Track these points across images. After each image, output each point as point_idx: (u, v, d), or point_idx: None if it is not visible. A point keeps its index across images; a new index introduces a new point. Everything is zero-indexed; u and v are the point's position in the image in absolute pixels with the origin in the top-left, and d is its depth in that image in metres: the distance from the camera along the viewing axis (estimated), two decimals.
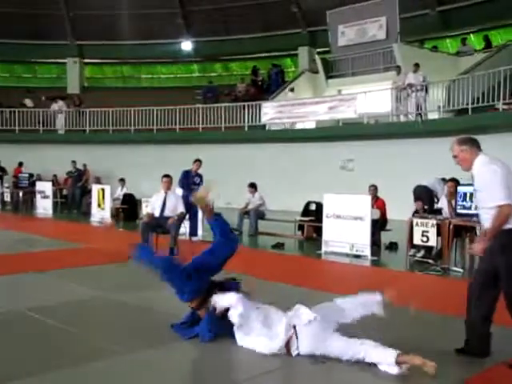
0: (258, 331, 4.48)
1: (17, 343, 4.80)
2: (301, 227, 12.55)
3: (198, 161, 11.79)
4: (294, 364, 4.34)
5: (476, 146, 4.52)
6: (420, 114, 16.29)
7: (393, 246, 10.82)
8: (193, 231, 11.63)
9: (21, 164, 21.29)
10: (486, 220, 4.33)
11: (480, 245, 4.44)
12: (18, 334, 5.10)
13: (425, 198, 10.67)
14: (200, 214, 12.10)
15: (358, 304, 4.60)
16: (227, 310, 4.61)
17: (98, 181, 18.23)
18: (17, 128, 22.26)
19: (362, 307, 4.58)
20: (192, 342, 4.78)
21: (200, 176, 11.74)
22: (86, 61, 27.76)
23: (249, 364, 4.40)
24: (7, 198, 19.68)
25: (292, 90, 20.54)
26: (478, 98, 15.00)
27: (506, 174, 4.26)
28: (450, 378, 4.08)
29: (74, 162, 19.50)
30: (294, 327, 4.41)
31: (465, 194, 8.70)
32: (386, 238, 10.94)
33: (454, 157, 4.59)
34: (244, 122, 20.15)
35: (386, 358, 4.06)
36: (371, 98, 17.44)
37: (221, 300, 4.66)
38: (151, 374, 4.13)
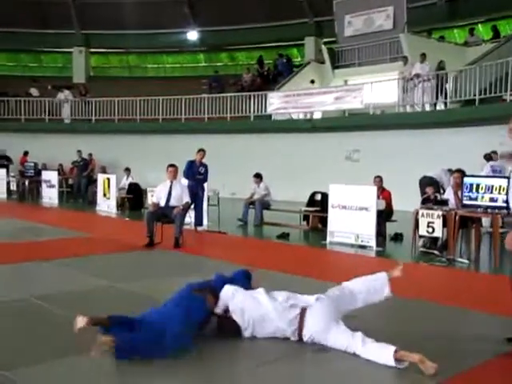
0: (268, 315, 4.48)
1: (23, 330, 4.82)
2: (306, 217, 12.56)
3: (201, 150, 11.78)
4: (300, 351, 4.35)
5: None
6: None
7: (398, 237, 10.80)
8: (198, 221, 11.65)
9: (26, 153, 21.32)
10: None
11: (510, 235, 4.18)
12: (24, 321, 5.13)
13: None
14: (205, 204, 12.14)
15: (368, 288, 4.58)
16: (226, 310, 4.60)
17: (103, 170, 18.24)
18: (23, 117, 22.28)
19: (374, 292, 4.57)
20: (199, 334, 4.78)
21: (205, 166, 11.74)
22: (92, 50, 27.72)
23: (260, 350, 4.41)
24: (13, 186, 19.74)
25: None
26: (486, 89, 14.90)
27: None
28: (449, 370, 4.07)
29: (79, 151, 19.53)
30: (303, 309, 4.41)
31: (471, 185, 8.67)
32: (391, 228, 10.92)
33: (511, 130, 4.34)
34: (250, 112, 20.11)
35: (384, 357, 4.02)
36: (378, 88, 17.34)
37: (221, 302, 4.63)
38: (159, 361, 4.13)
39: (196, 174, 11.53)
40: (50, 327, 4.95)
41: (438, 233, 8.90)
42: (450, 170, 10.97)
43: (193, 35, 26.15)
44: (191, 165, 11.62)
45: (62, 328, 4.92)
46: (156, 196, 10.03)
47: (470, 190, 8.67)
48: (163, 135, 20.89)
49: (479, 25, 21.51)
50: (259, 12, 24.07)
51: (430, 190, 10.15)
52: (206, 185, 11.92)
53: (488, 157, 12.77)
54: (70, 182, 20.70)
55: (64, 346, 4.40)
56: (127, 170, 17.31)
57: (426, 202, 9.74)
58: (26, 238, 10.17)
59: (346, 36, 20.18)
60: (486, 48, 17.56)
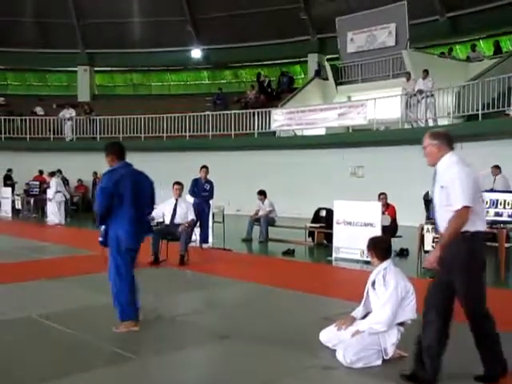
0: None
1: (28, 349, 4.82)
2: (311, 234, 12.54)
3: (204, 167, 11.80)
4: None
5: (447, 143, 4.20)
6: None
7: (403, 253, 10.77)
8: (203, 238, 11.64)
9: (41, 172, 21.20)
10: (444, 220, 4.02)
11: (434, 253, 4.08)
12: (30, 340, 5.12)
13: None
14: (210, 222, 12.14)
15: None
16: None
17: None
18: (28, 136, 22.40)
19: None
20: (202, 350, 4.77)
21: (210, 182, 11.76)
22: (97, 69, 27.95)
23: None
24: (18, 205, 19.80)
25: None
26: (489, 104, 14.95)
27: (475, 178, 4.08)
28: None
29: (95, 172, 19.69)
30: None
31: None
32: (396, 244, 10.89)
33: (423, 148, 4.33)
34: (254, 128, 20.19)
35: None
36: (381, 104, 17.41)
37: None
38: (165, 377, 4.13)
39: (201, 191, 11.55)
40: (57, 345, 4.95)
41: None
42: None
43: (196, 53, 26.35)
44: (196, 182, 11.65)
45: (65, 346, 4.92)
46: (156, 212, 10.05)
47: None
48: (168, 153, 20.95)
49: (481, 41, 21.64)
50: (262, 30, 24.26)
51: None
52: (211, 201, 11.94)
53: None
54: (75, 199, 20.76)
55: (67, 365, 4.40)
56: None
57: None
58: (32, 257, 10.18)
59: (349, 52, 20.30)
60: (488, 64, 17.65)
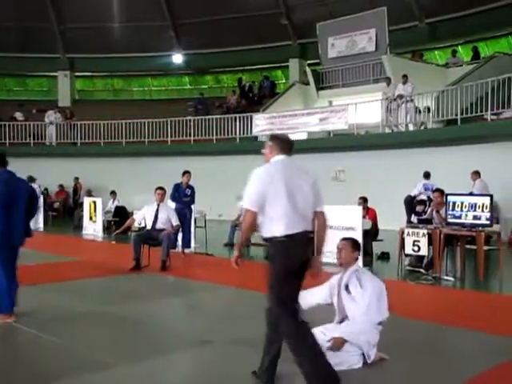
0: None
1: (6, 356, 4.78)
2: None
3: (187, 173, 11.79)
4: None
5: (281, 147, 4.21)
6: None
7: (385, 256, 10.87)
8: (185, 243, 11.62)
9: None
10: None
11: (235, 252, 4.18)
12: (8, 346, 5.08)
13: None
14: (192, 227, 12.13)
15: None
16: None
17: (89, 194, 18.19)
18: (7, 141, 22.17)
19: None
20: (184, 355, 4.78)
21: (191, 188, 11.76)
22: (77, 74, 27.77)
23: None
24: None
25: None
26: (467, 109, 15.15)
27: (268, 182, 4.06)
28: None
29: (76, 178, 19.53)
30: None
31: (454, 203, 8.80)
32: (377, 248, 10.98)
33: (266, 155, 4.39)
34: (235, 133, 20.22)
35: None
36: (362, 109, 17.56)
37: None
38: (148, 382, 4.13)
39: (183, 196, 11.54)
40: (36, 352, 4.92)
41: (424, 251, 8.98)
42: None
43: (178, 58, 26.31)
44: (178, 187, 11.63)
45: (47, 353, 4.89)
46: (139, 216, 10.02)
47: (454, 209, 8.79)
48: (149, 158, 20.91)
49: (459, 46, 21.93)
50: (243, 35, 24.32)
51: (420, 209, 10.34)
52: (193, 207, 11.93)
53: (425, 174, 13.72)
54: (56, 205, 20.58)
55: (49, 372, 4.37)
56: (113, 193, 17.26)
57: (419, 216, 9.96)
58: None
59: (330, 58, 20.44)
60: (467, 69, 17.90)
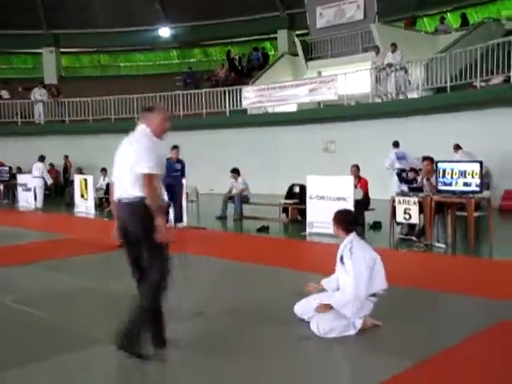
0: None
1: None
2: (285, 210, 12.62)
3: (175, 147, 11.71)
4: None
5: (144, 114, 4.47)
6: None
7: (376, 225, 10.92)
8: (177, 217, 11.61)
9: None
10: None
11: None
12: (1, 325, 5.09)
13: None
14: (184, 201, 12.12)
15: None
16: None
17: (79, 171, 18.09)
18: None
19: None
20: (178, 326, 4.82)
21: (181, 162, 11.70)
22: (63, 50, 27.36)
23: None
24: None
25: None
26: (456, 76, 15.10)
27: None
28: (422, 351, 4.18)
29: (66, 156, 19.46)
30: None
31: (444, 171, 8.83)
32: (369, 217, 11.03)
33: None
34: (225, 107, 20.09)
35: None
36: (351, 79, 17.45)
37: None
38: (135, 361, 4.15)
39: (172, 171, 11.45)
40: (29, 330, 4.93)
41: (415, 219, 9.04)
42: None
43: (165, 32, 25.97)
44: (167, 162, 11.54)
45: (41, 331, 4.91)
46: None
47: (444, 176, 8.83)
48: None
49: (448, 13, 21.75)
50: (231, 6, 23.97)
51: (411, 175, 10.43)
52: (184, 181, 11.90)
53: (394, 143, 14.13)
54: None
55: (43, 349, 4.39)
56: (104, 170, 17.16)
57: (410, 184, 10.04)
58: (6, 243, 10.06)
59: (319, 28, 20.24)
60: (456, 36, 17.78)
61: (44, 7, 25.56)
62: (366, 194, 10.97)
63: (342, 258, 4.72)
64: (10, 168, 19.91)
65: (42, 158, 17.33)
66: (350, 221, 4.86)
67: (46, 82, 24.94)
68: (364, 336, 4.51)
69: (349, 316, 4.50)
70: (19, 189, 18.05)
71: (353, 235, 4.77)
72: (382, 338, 4.56)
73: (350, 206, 9.70)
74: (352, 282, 4.53)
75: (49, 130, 21.94)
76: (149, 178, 3.97)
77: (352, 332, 4.51)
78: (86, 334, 4.77)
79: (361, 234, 9.79)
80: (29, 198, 17.38)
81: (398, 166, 13.73)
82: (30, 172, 17.81)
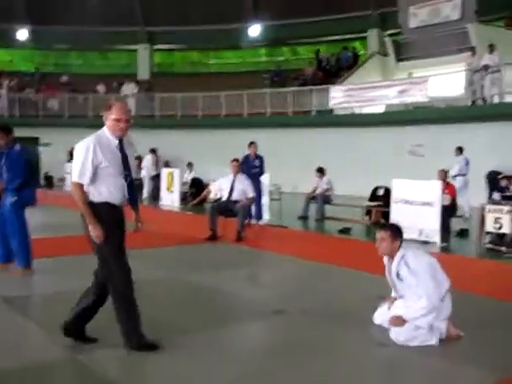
0: None
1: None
2: (368, 212, 12.41)
3: (252, 143, 11.79)
4: None
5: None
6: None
7: (463, 233, 10.50)
8: (258, 215, 11.69)
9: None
10: None
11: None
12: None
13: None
14: (265, 198, 12.18)
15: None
16: None
17: (166, 164, 18.64)
18: (91, 113, 22.96)
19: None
20: (258, 323, 4.85)
21: (260, 158, 11.74)
22: (156, 47, 28.29)
23: None
24: None
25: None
26: None
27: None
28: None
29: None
30: None
31: None
32: (456, 224, 10.64)
33: None
34: (311, 106, 20.00)
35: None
36: (443, 80, 16.86)
37: None
38: (229, 348, 4.22)
39: (251, 167, 11.52)
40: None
41: (507, 229, 8.61)
42: None
43: (254, 30, 26.20)
44: (246, 159, 11.65)
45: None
46: (216, 186, 10.17)
47: None
48: (225, 130, 21.09)
49: None
50: (321, 5, 23.85)
51: (503, 182, 9.97)
52: (263, 177, 11.92)
53: (459, 149, 13.50)
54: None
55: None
56: (189, 164, 17.62)
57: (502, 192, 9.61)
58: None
59: (411, 27, 19.72)
60: None
61: (140, 4, 26.49)
62: (453, 200, 10.58)
63: (398, 274, 4.53)
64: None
65: (153, 151, 18.08)
66: (400, 236, 4.61)
67: (139, 78, 25.90)
68: (445, 346, 4.33)
69: (426, 327, 4.34)
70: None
71: (403, 249, 4.56)
72: (464, 349, 4.37)
73: (437, 212, 9.41)
74: (422, 296, 4.33)
75: (138, 123, 22.68)
76: (73, 186, 4.21)
77: (434, 341, 4.34)
78: (169, 321, 4.88)
79: (446, 241, 9.51)
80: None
81: (465, 172, 13.12)
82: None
